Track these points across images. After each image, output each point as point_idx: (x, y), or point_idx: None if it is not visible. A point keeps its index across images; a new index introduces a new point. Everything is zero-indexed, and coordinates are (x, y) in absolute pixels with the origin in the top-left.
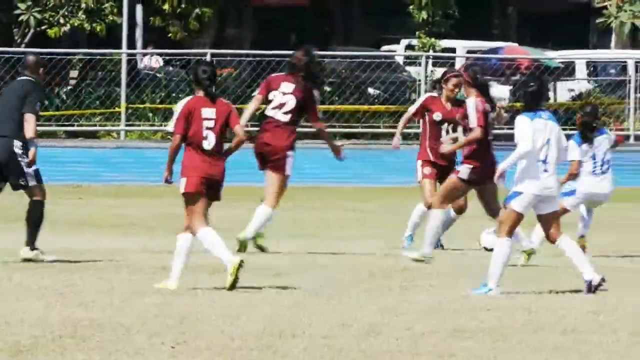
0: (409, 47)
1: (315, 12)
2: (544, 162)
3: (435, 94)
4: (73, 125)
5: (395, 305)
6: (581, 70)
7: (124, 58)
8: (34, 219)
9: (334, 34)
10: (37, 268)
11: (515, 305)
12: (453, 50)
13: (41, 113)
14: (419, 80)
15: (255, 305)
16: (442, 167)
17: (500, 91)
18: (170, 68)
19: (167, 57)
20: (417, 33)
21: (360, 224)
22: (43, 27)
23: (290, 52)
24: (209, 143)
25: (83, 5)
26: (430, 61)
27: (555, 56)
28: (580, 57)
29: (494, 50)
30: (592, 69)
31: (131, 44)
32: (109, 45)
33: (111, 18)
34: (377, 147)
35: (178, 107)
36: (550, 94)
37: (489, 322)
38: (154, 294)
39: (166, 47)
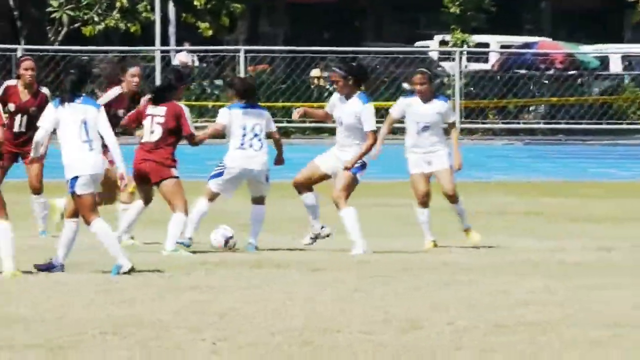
0: (443, 42)
1: (347, 9)
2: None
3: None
4: None
5: (435, 300)
6: (616, 65)
7: (158, 55)
8: None
9: (366, 31)
10: (77, 265)
11: (554, 300)
12: (487, 45)
13: None
14: (454, 76)
15: (296, 301)
16: None
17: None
18: (204, 65)
19: (201, 54)
20: (450, 27)
21: (397, 219)
22: (77, 25)
23: (324, 48)
24: None
25: (117, 4)
26: (464, 56)
27: (590, 50)
28: (615, 51)
29: (528, 45)
30: (627, 63)
31: (164, 41)
32: (143, 42)
33: (145, 15)
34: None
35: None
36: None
37: (528, 316)
38: (192, 289)
39: (200, 44)
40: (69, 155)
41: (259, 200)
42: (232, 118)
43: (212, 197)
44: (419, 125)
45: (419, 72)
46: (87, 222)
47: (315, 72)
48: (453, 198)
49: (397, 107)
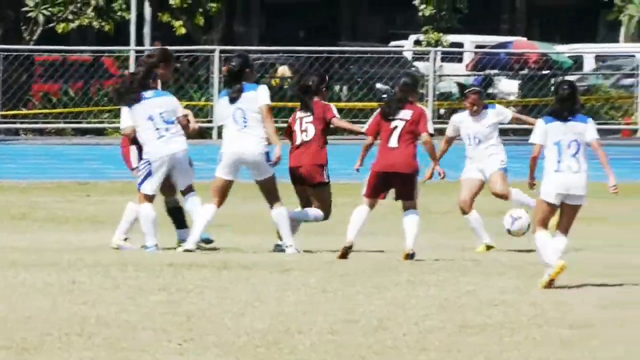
0: (418, 42)
1: (325, 8)
2: None
3: None
4: (81, 123)
5: (402, 301)
6: (590, 65)
7: (132, 55)
8: None
9: (342, 30)
10: (43, 265)
11: (522, 300)
12: (461, 45)
13: (50, 110)
14: (427, 76)
15: (262, 301)
16: None
17: (508, 86)
18: (178, 64)
19: (175, 54)
20: (424, 28)
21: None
22: (51, 25)
23: (298, 47)
24: None
25: (92, 2)
26: (438, 56)
27: (564, 50)
28: (588, 51)
29: (503, 45)
30: (601, 63)
31: (139, 41)
32: (118, 41)
33: (120, 14)
34: None
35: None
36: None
37: (496, 317)
38: (160, 291)
39: (175, 44)
40: None
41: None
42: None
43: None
44: (474, 140)
45: (472, 93)
46: None
47: (282, 71)
48: (504, 197)
49: (451, 126)
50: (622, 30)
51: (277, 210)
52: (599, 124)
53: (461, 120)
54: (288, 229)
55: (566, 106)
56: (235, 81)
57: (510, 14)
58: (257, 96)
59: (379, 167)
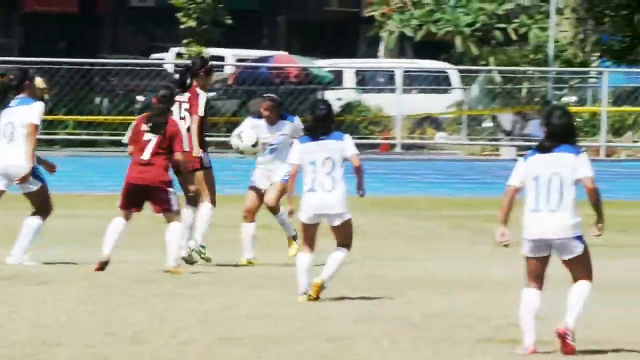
0: (179, 55)
1: (84, 20)
2: None
3: None
4: None
5: (161, 313)
6: (350, 80)
7: None
8: None
9: (103, 42)
10: None
11: (284, 313)
12: (222, 58)
13: None
14: None
15: (20, 313)
16: None
17: None
18: None
19: None
20: (185, 41)
21: (130, 232)
22: None
23: (58, 59)
24: None
25: None
26: None
27: (324, 65)
28: (348, 66)
29: (264, 59)
30: (361, 78)
31: None
32: None
33: None
34: None
35: None
36: None
37: (257, 330)
38: None
39: None
40: None
41: None
42: None
43: None
44: (268, 148)
45: (269, 100)
46: None
47: (37, 82)
48: (272, 210)
49: (250, 129)
50: (382, 46)
51: (28, 219)
52: (358, 139)
53: (258, 125)
54: (29, 239)
55: (321, 125)
56: (15, 93)
57: (271, 29)
58: (28, 112)
59: (130, 179)
